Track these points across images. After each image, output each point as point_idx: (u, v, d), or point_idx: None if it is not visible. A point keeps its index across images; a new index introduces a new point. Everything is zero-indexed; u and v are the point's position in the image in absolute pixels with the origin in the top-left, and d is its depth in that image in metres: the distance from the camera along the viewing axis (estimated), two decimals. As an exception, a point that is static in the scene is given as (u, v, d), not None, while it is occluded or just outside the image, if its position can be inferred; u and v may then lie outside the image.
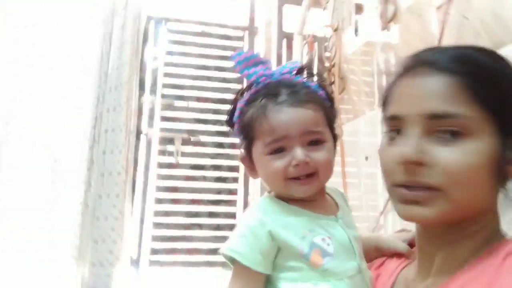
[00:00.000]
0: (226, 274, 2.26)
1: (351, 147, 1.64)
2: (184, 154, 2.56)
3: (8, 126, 2.33)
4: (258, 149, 0.66)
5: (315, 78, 0.72)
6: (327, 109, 0.69)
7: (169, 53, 2.66)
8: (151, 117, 2.59)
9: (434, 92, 0.55)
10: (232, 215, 2.56)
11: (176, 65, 2.66)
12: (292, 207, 0.66)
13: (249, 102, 0.68)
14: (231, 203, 2.57)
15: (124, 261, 2.31)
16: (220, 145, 2.63)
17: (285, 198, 0.67)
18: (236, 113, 0.70)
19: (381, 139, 0.64)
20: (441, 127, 0.54)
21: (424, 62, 0.58)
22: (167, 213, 2.49)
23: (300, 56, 2.40)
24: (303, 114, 0.65)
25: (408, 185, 0.56)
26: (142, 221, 2.46)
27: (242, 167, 2.63)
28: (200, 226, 2.50)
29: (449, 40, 1.23)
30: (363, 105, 1.75)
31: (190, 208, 2.51)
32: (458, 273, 0.57)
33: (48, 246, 2.27)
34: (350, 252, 0.66)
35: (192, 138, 2.60)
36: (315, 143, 0.65)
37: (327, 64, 1.86)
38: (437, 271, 0.60)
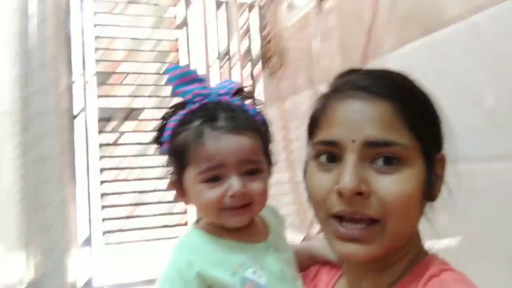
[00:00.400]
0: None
1: (293, 124, 1.69)
2: (124, 132, 2.50)
3: None
4: (191, 175, 0.63)
5: (251, 100, 0.69)
6: (265, 135, 0.67)
7: (98, 25, 2.50)
8: (85, 95, 2.47)
9: (371, 118, 0.53)
10: (180, 189, 2.59)
11: (107, 38, 2.53)
12: (221, 240, 0.63)
13: (182, 124, 0.64)
14: (178, 177, 2.59)
15: (76, 245, 2.29)
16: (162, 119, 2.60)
17: (214, 227, 0.65)
18: (167, 133, 0.66)
19: (306, 164, 0.62)
20: (378, 154, 0.53)
21: (356, 86, 0.56)
22: (114, 193, 2.46)
23: (236, 25, 2.38)
24: (241, 142, 0.62)
25: (346, 215, 0.54)
26: (89, 203, 2.42)
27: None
28: (149, 203, 2.51)
29: (381, 25, 1.29)
30: (302, 82, 1.80)
31: (137, 186, 2.50)
32: None
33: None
34: (283, 279, 0.64)
35: (132, 115, 2.54)
36: (252, 172, 0.63)
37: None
38: None
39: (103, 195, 2.43)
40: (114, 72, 2.53)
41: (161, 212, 2.52)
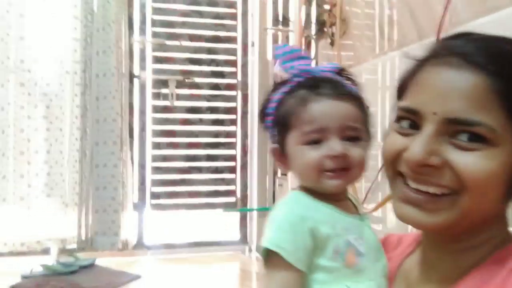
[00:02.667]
0: (226, 216, 2.33)
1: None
2: (179, 97, 2.51)
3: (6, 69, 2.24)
4: (294, 139, 0.65)
5: (351, 82, 0.70)
6: (366, 110, 0.68)
7: (157, -13, 2.47)
8: (142, 58, 2.49)
9: (460, 90, 0.49)
10: (231, 158, 2.57)
11: (166, 0, 2.50)
12: (325, 204, 0.64)
13: (288, 93, 0.67)
14: (230, 145, 2.57)
15: (127, 207, 2.38)
16: (216, 86, 2.57)
17: (314, 193, 0.66)
18: (272, 105, 0.68)
19: (389, 124, 0.61)
20: (460, 131, 0.50)
21: (455, 52, 0.52)
22: (165, 158, 2.50)
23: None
24: (344, 108, 0.64)
25: (414, 181, 0.53)
26: (142, 167, 2.48)
27: (239, 109, 2.60)
28: (199, 170, 2.52)
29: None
30: (366, 51, 1.67)
31: (188, 152, 2.51)
32: (460, 281, 0.56)
33: (49, 193, 2.31)
34: (378, 252, 0.66)
35: (187, 80, 2.52)
36: (353, 139, 0.64)
37: (327, 6, 1.74)
38: (440, 279, 0.59)
39: (155, 158, 2.48)
40: (171, 35, 2.50)
41: (211, 178, 2.53)
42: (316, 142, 0.63)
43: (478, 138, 0.49)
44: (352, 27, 1.65)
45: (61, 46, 2.34)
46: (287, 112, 0.65)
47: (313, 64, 0.74)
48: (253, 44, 2.60)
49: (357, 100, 0.66)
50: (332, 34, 1.82)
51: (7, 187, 2.25)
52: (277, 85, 0.70)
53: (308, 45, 2.25)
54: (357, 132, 0.65)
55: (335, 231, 0.62)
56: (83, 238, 2.32)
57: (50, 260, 2.18)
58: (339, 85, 0.66)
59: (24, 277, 1.99)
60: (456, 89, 0.50)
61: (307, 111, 0.63)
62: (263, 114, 0.70)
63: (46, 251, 2.29)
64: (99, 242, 2.31)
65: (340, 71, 0.70)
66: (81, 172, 2.31)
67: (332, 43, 1.89)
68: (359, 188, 1.57)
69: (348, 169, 0.64)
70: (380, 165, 1.63)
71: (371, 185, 1.53)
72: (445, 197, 0.52)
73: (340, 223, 0.63)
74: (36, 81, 2.30)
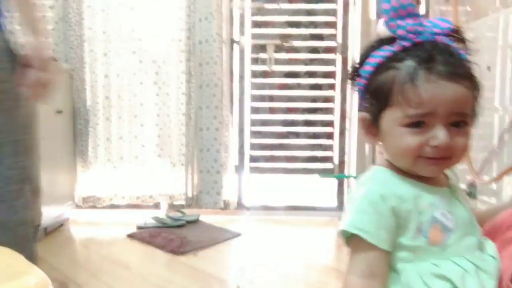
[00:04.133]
0: (323, 182, 2.31)
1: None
2: (277, 62, 2.50)
3: (113, 43, 2.45)
4: (393, 117, 0.59)
5: (464, 45, 0.62)
6: (478, 92, 0.61)
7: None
8: (242, 24, 2.51)
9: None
10: (329, 123, 2.53)
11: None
12: (409, 180, 0.61)
13: (392, 60, 0.59)
14: (328, 111, 2.52)
15: (228, 169, 2.49)
16: (315, 50, 2.51)
17: (399, 169, 0.62)
18: (368, 67, 0.61)
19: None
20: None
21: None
22: (263, 122, 2.54)
23: None
24: (458, 92, 0.57)
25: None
26: (242, 131, 2.56)
27: (338, 73, 2.51)
28: (297, 135, 2.53)
29: None
30: (485, 4, 1.47)
31: (286, 116, 2.52)
32: None
33: (160, 154, 2.51)
34: (469, 227, 0.61)
35: (285, 44, 2.50)
36: (457, 124, 0.59)
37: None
38: None
39: (254, 123, 2.53)
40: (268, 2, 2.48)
41: (308, 144, 2.53)
42: (418, 125, 0.58)
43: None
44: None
45: (167, 15, 2.46)
46: (388, 83, 0.58)
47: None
48: (355, 3, 2.46)
49: (471, 80, 0.59)
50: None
51: (124, 147, 2.50)
52: (379, 43, 0.62)
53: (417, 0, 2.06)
54: (463, 117, 0.59)
55: (418, 208, 0.58)
56: (190, 195, 2.50)
57: (161, 213, 2.40)
58: (454, 60, 0.58)
59: (139, 228, 2.23)
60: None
61: (416, 92, 0.56)
62: (355, 73, 0.63)
63: (157, 206, 2.53)
64: (203, 200, 2.47)
65: (454, 32, 0.60)
66: (187, 134, 2.47)
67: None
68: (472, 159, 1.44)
69: (449, 158, 0.59)
70: (496, 133, 1.47)
71: (487, 156, 1.39)
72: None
73: (424, 199, 0.59)
74: (146, 49, 2.47)
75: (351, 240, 0.60)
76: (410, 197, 0.59)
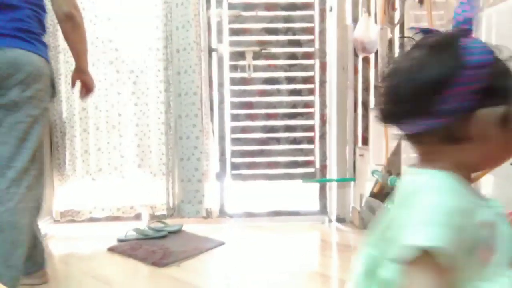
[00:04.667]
0: (305, 186, 2.29)
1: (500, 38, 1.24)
2: (256, 68, 2.50)
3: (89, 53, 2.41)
4: (504, 124, 0.56)
5: None
6: None
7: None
8: (220, 31, 2.51)
9: None
10: (309, 128, 2.54)
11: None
12: (471, 191, 0.58)
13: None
14: (308, 116, 2.53)
15: (209, 177, 2.47)
16: (293, 56, 2.52)
17: (460, 174, 0.58)
18: (476, 58, 0.54)
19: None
20: None
21: None
22: (244, 129, 2.53)
23: None
24: None
25: None
26: (222, 138, 2.54)
27: (317, 78, 2.53)
28: (277, 140, 2.52)
29: None
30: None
31: (266, 123, 2.52)
32: None
33: (139, 164, 2.47)
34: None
35: (263, 51, 2.50)
36: None
37: None
38: None
39: (234, 130, 2.52)
40: (247, 6, 2.48)
41: (289, 149, 2.53)
42: None
43: None
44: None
45: (144, 24, 2.43)
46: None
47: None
48: (331, 9, 2.49)
49: None
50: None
51: (102, 158, 2.45)
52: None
53: (392, 5, 2.09)
54: None
55: (473, 224, 0.54)
56: (171, 205, 2.47)
57: (142, 225, 2.36)
58: None
59: (120, 240, 2.18)
60: None
61: None
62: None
63: (138, 217, 2.48)
64: (185, 209, 2.44)
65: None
66: (167, 143, 2.44)
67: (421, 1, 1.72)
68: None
69: None
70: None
71: None
72: None
73: (483, 215, 0.55)
74: (124, 59, 2.44)
75: (417, 259, 0.51)
76: (481, 205, 0.57)
